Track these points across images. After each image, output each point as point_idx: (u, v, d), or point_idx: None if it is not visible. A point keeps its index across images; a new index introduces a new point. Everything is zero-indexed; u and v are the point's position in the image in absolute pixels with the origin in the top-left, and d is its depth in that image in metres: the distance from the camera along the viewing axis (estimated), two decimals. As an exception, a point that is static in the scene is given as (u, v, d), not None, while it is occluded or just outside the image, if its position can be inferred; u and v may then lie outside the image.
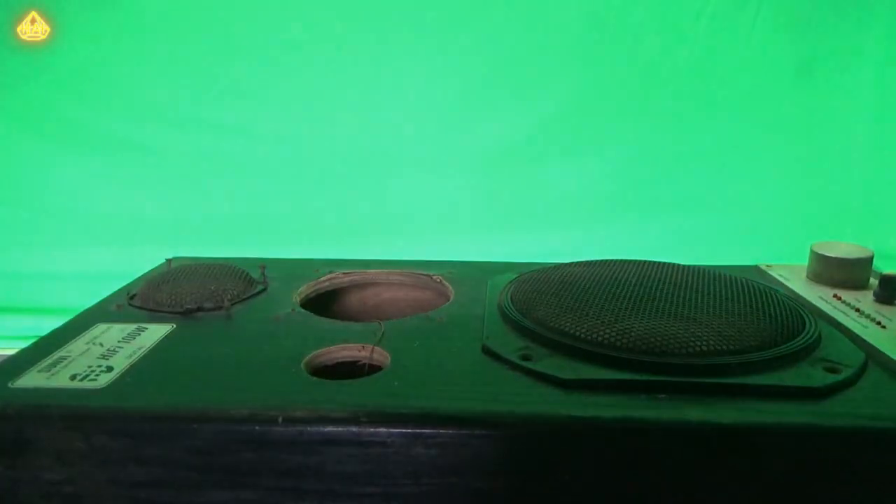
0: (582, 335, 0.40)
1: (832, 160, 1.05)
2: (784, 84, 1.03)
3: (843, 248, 0.55)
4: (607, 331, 0.39)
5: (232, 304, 0.49)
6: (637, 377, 0.36)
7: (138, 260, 0.60)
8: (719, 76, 1.04)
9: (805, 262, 0.57)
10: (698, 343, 0.38)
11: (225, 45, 1.04)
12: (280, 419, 0.33)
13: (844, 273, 0.53)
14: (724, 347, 0.38)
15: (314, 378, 0.38)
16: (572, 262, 0.52)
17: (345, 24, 1.00)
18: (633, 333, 0.39)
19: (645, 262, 0.52)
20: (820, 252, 0.55)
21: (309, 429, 0.33)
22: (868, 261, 0.53)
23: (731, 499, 0.33)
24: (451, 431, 0.33)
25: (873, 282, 0.53)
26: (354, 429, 0.33)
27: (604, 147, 1.07)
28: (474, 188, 1.09)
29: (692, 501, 0.33)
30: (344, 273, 0.58)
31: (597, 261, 0.52)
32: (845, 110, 1.03)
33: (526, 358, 0.39)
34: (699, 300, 0.43)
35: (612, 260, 0.53)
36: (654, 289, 0.45)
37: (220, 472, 0.34)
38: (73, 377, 0.37)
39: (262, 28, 1.03)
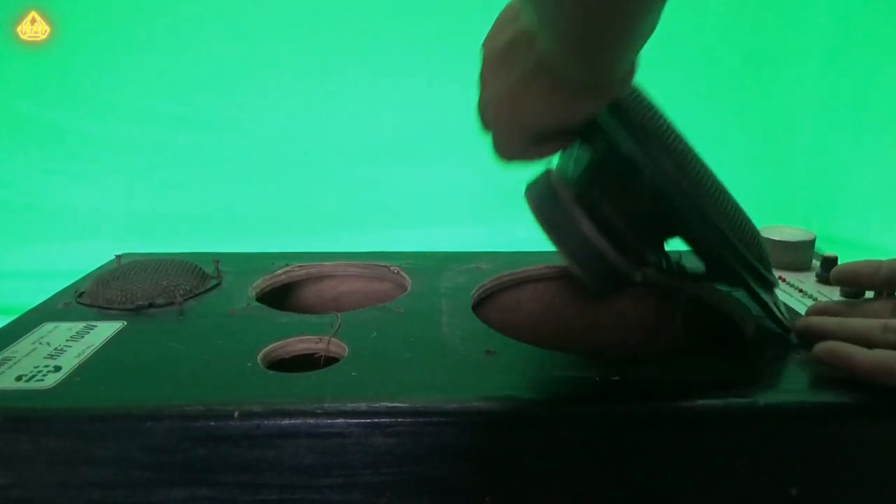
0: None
1: (779, 149, 1.08)
2: (733, 76, 1.06)
3: (788, 231, 0.57)
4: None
5: (185, 300, 0.48)
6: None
7: (85, 257, 0.59)
8: (670, 68, 1.06)
9: (752, 246, 0.59)
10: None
11: (181, 32, 1.01)
12: (236, 414, 0.32)
13: (789, 255, 0.55)
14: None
15: (270, 372, 0.37)
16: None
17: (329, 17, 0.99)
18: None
19: None
20: (766, 235, 0.56)
21: (266, 422, 0.32)
22: (810, 243, 0.55)
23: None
24: (409, 420, 0.33)
25: (816, 263, 0.55)
26: (312, 420, 0.33)
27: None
28: (446, 178, 1.10)
29: (656, 480, 0.34)
30: (300, 266, 0.57)
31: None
32: (790, 101, 1.06)
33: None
34: None
35: None
36: None
37: (175, 469, 0.33)
38: (18, 378, 0.36)
39: (228, 14, 1.00)
